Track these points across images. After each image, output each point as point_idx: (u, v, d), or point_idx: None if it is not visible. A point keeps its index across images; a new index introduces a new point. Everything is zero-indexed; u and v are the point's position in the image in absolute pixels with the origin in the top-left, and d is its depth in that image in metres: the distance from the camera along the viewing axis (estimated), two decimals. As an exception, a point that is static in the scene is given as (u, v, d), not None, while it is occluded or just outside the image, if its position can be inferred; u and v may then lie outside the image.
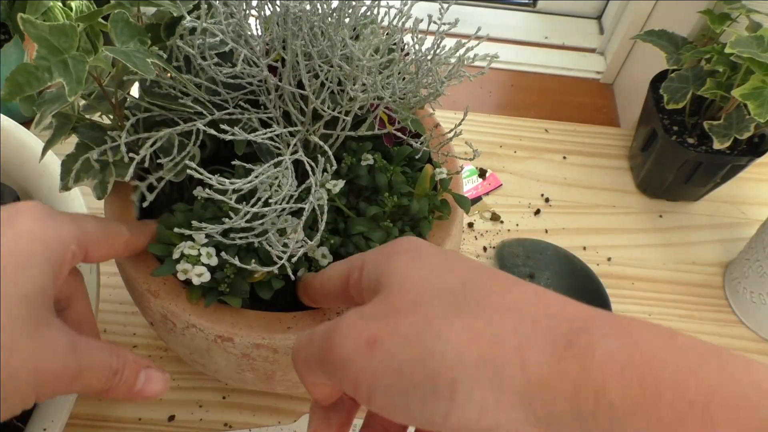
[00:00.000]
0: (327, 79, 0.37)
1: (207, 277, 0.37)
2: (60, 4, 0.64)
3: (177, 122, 0.38)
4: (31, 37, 0.30)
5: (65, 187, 0.38)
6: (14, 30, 0.65)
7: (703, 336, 0.62)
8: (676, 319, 0.63)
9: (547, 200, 0.72)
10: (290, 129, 0.38)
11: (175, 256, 0.37)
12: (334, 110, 0.37)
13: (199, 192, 0.38)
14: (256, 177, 0.34)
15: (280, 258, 0.36)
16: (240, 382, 0.45)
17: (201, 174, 0.33)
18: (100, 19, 0.68)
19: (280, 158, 0.36)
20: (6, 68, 0.67)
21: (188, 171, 0.33)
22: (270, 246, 0.36)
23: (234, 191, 0.34)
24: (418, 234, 0.42)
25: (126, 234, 0.36)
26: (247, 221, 0.35)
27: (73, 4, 0.65)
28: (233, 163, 0.37)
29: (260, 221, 0.35)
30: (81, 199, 0.51)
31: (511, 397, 0.22)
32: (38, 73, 0.30)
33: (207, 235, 0.37)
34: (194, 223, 0.36)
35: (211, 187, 0.33)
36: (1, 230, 0.28)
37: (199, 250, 0.37)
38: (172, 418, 0.53)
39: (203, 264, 0.37)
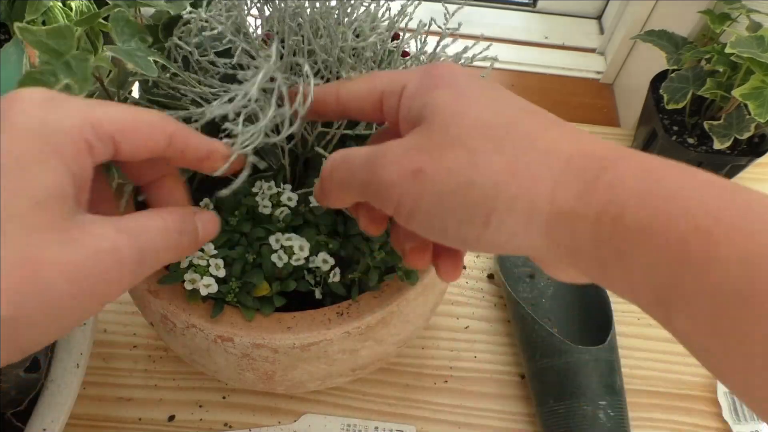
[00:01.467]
0: (323, 77, 0.37)
1: (214, 288, 0.37)
2: (60, 4, 0.64)
3: None
4: (29, 44, 0.30)
5: None
6: (14, 30, 0.65)
7: (703, 336, 0.62)
8: (676, 319, 0.63)
9: (547, 200, 0.72)
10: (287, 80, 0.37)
11: (183, 265, 0.37)
12: None
13: (205, 203, 0.39)
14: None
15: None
16: (240, 382, 0.45)
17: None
18: (100, 20, 0.68)
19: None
20: (6, 68, 0.67)
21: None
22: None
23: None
24: None
25: (171, 125, 0.28)
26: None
27: (73, 4, 0.65)
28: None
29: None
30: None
31: (539, 227, 0.25)
32: (44, 78, 0.30)
33: (216, 247, 0.37)
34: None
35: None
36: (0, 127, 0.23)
37: (208, 260, 0.37)
38: (172, 418, 0.53)
39: (211, 275, 0.37)
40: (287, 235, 0.38)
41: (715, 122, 0.62)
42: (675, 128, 0.67)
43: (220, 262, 0.37)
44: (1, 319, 0.21)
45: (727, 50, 0.55)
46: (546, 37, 0.93)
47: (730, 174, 0.67)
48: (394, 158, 0.26)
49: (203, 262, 0.37)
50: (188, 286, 0.37)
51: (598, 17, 0.95)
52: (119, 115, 0.26)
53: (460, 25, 0.37)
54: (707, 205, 0.22)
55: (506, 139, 0.26)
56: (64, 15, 0.64)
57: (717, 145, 0.62)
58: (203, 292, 0.37)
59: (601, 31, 0.94)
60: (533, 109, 0.28)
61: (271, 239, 0.38)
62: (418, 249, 0.31)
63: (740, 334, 0.21)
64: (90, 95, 0.38)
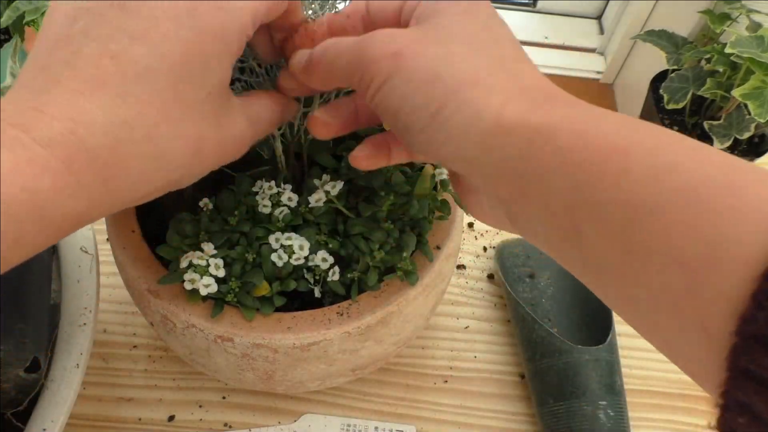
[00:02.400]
0: None
1: (214, 288, 0.37)
2: (60, 4, 0.64)
3: None
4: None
5: None
6: (14, 30, 0.65)
7: (703, 336, 0.62)
8: (676, 319, 0.63)
9: (547, 200, 0.72)
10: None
11: (183, 265, 0.37)
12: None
13: (205, 203, 0.39)
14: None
15: None
16: (240, 382, 0.45)
17: None
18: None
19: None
20: (6, 68, 0.67)
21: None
22: None
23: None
24: (418, 234, 0.42)
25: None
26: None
27: (73, 4, 0.65)
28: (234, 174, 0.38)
29: None
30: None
31: (477, 134, 0.27)
32: None
33: (215, 246, 0.37)
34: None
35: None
36: (186, 26, 0.27)
37: (207, 260, 0.37)
38: (172, 418, 0.53)
39: (211, 275, 0.37)
40: (287, 234, 0.38)
41: (715, 122, 0.62)
42: (675, 128, 0.67)
43: (220, 261, 0.37)
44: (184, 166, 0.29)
45: (727, 50, 0.55)
46: (546, 37, 0.93)
47: (730, 174, 0.67)
48: (380, 39, 0.29)
49: (203, 262, 0.37)
50: (188, 286, 0.37)
51: (598, 17, 0.96)
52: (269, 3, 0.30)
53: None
54: (630, 137, 0.24)
55: (482, 53, 0.28)
56: (64, 15, 0.64)
57: (717, 145, 0.62)
58: (203, 292, 0.37)
59: (601, 31, 0.94)
60: (519, 46, 0.31)
61: (271, 239, 0.38)
62: (373, 144, 0.34)
63: (643, 244, 0.22)
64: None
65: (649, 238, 0.22)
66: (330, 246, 0.40)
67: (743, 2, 0.61)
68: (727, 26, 0.62)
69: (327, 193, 0.39)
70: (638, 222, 0.23)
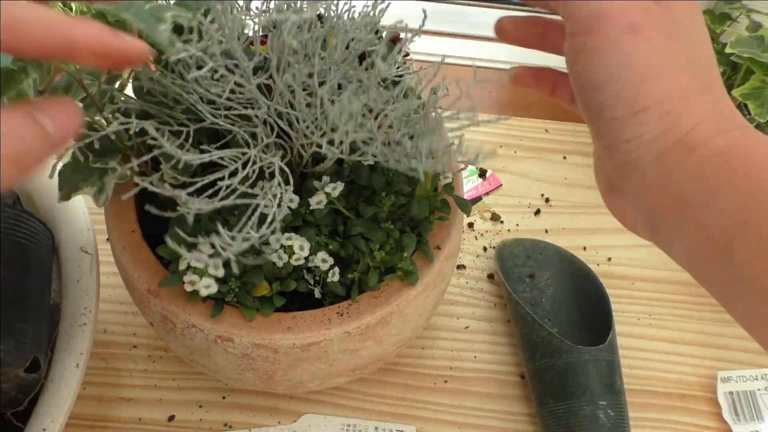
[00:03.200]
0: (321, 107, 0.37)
1: (214, 289, 0.36)
2: (60, 4, 0.64)
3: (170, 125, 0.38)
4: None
5: (65, 197, 0.38)
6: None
7: (703, 336, 0.62)
8: (677, 319, 0.63)
9: (547, 200, 0.72)
10: (275, 140, 0.38)
11: (182, 266, 0.37)
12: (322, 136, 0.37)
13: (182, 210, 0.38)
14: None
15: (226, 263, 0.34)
16: (240, 382, 0.45)
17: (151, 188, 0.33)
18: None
19: (248, 152, 0.36)
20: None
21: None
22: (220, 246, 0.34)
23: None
24: (418, 234, 0.42)
25: None
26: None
27: (73, 5, 0.65)
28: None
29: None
30: (81, 200, 0.51)
31: (659, 145, 0.27)
32: (16, 76, 0.30)
33: (213, 247, 0.37)
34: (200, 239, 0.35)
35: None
36: None
37: (206, 261, 0.37)
38: (172, 418, 0.53)
39: (211, 276, 0.36)
40: (287, 234, 0.38)
41: (715, 122, 0.62)
42: (675, 128, 0.67)
43: (219, 262, 0.37)
44: None
45: (727, 50, 0.55)
46: (546, 37, 0.93)
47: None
48: (620, 12, 0.27)
49: (202, 264, 0.37)
50: (188, 288, 0.37)
51: (598, 17, 0.96)
52: None
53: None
54: None
55: (697, 68, 0.28)
56: (64, 15, 0.64)
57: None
58: (203, 293, 0.37)
59: (601, 31, 0.94)
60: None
61: (271, 239, 0.38)
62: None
63: None
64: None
65: None
66: (330, 247, 0.40)
67: (743, 2, 0.61)
68: (727, 26, 0.62)
69: (327, 195, 0.39)
70: None
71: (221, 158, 0.36)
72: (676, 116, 0.27)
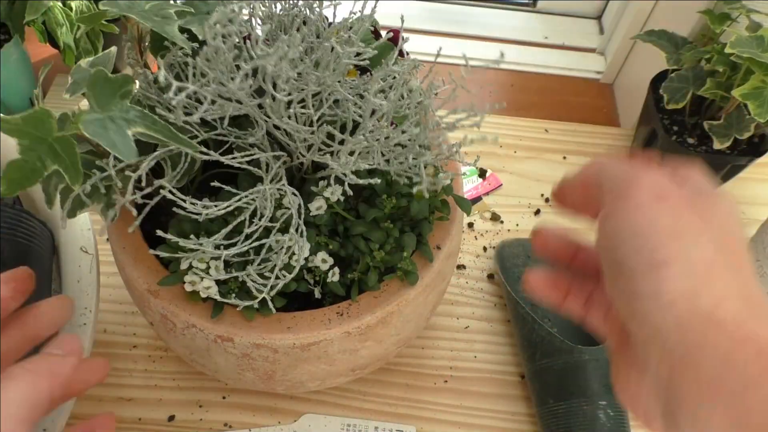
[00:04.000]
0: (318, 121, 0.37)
1: (215, 290, 0.37)
2: (60, 4, 0.64)
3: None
4: (5, 132, 0.29)
5: (71, 215, 0.37)
6: (14, 30, 0.65)
7: (703, 336, 0.62)
8: (676, 319, 0.63)
9: (547, 200, 0.72)
10: (275, 154, 0.38)
11: (183, 266, 0.37)
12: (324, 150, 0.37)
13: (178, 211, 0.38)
14: (233, 203, 0.34)
15: (260, 291, 0.36)
16: (240, 382, 0.45)
17: (177, 198, 0.34)
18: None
19: (259, 188, 0.36)
20: (6, 68, 0.67)
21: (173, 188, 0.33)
22: (252, 281, 0.37)
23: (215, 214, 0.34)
24: (418, 234, 0.42)
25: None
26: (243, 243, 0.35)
27: (73, 4, 0.65)
28: (217, 185, 0.37)
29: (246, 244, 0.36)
30: (85, 214, 0.50)
31: (682, 311, 0.26)
32: (30, 165, 0.30)
33: (216, 247, 0.37)
34: (205, 242, 0.36)
35: (185, 210, 0.34)
36: None
37: (207, 263, 0.37)
38: (172, 418, 0.53)
39: (211, 277, 0.37)
40: (287, 235, 0.38)
41: (715, 122, 0.62)
42: (675, 128, 0.67)
43: (221, 264, 0.37)
44: None
45: (727, 50, 0.55)
46: (546, 37, 0.93)
47: (730, 174, 0.67)
48: (650, 179, 0.29)
49: (203, 265, 0.37)
50: (188, 288, 0.37)
51: (598, 17, 0.95)
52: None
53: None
54: None
55: (731, 253, 0.28)
56: (63, 15, 0.64)
57: (717, 145, 0.62)
58: (203, 294, 0.37)
59: (601, 31, 0.94)
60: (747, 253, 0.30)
61: (271, 239, 0.38)
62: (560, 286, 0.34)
63: None
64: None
65: None
66: (330, 247, 0.40)
67: (743, 2, 0.61)
68: (727, 26, 0.62)
69: (327, 199, 0.39)
70: None
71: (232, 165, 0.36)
72: (699, 282, 0.26)
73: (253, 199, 0.37)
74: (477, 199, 0.71)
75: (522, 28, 0.93)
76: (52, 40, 0.65)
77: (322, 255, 0.39)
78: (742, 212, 0.73)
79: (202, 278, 0.36)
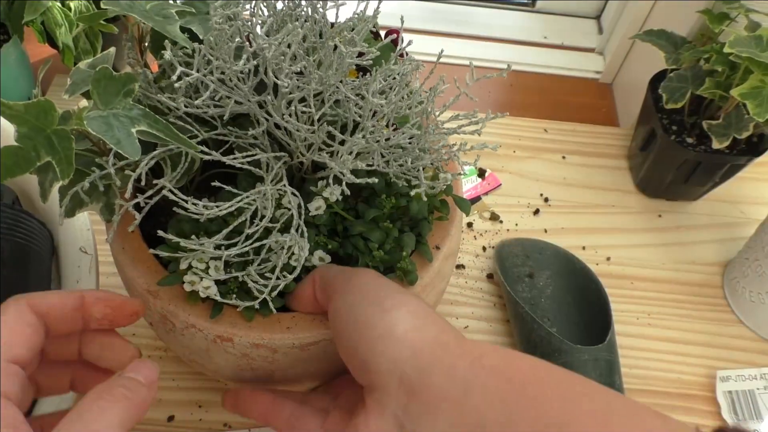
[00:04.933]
0: (319, 120, 0.37)
1: (214, 290, 0.37)
2: (59, 4, 0.64)
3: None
4: (6, 118, 0.29)
5: (69, 214, 0.37)
6: (14, 30, 0.65)
7: (702, 336, 0.62)
8: (676, 318, 0.63)
9: (546, 200, 0.72)
10: (276, 154, 0.39)
11: (183, 266, 0.37)
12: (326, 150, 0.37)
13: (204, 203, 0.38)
14: (234, 204, 0.35)
15: (261, 292, 0.37)
16: (239, 382, 0.45)
17: (178, 198, 0.34)
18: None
19: (260, 188, 0.37)
20: (5, 68, 0.67)
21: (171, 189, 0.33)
22: (253, 281, 0.37)
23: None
24: (417, 234, 0.42)
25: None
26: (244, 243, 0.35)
27: (72, 5, 0.65)
28: (216, 185, 0.37)
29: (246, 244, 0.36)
30: (85, 214, 0.50)
31: (412, 341, 0.31)
32: (24, 153, 0.30)
33: (217, 247, 0.37)
34: (205, 243, 0.35)
35: (187, 210, 0.34)
36: None
37: (207, 263, 0.37)
38: (171, 418, 0.53)
39: (210, 276, 0.36)
40: (287, 235, 0.38)
41: (713, 122, 0.62)
42: (674, 128, 0.67)
43: (220, 264, 0.37)
44: None
45: (726, 50, 0.55)
46: (545, 37, 0.93)
47: (729, 173, 0.67)
48: (336, 270, 0.37)
49: (202, 265, 0.36)
50: (188, 288, 0.37)
51: (597, 17, 0.96)
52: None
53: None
54: (542, 370, 0.30)
55: (442, 318, 0.34)
56: (62, 15, 0.64)
57: (716, 145, 0.62)
58: (202, 294, 0.37)
59: (600, 30, 0.94)
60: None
61: (271, 239, 0.38)
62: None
63: None
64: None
65: None
66: (329, 247, 0.40)
67: (742, 2, 0.61)
68: (726, 26, 0.62)
69: (326, 199, 0.39)
70: None
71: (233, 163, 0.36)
72: (422, 320, 0.32)
73: (254, 200, 0.37)
74: (476, 199, 0.71)
75: (521, 28, 0.93)
76: (51, 41, 0.65)
77: (319, 253, 0.39)
78: (741, 212, 0.73)
79: (201, 278, 0.36)
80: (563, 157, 0.76)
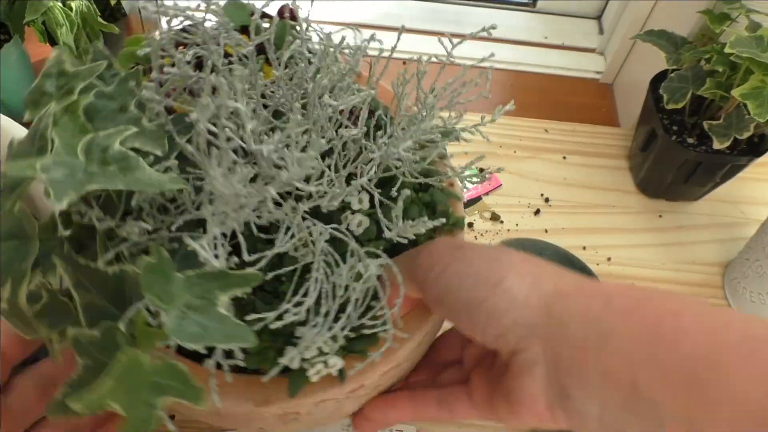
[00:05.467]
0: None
1: (341, 363, 0.33)
2: (60, 4, 0.64)
3: None
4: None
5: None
6: (15, 30, 0.65)
7: (702, 336, 0.62)
8: (676, 318, 0.63)
9: (546, 200, 0.72)
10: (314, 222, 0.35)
11: (294, 363, 0.31)
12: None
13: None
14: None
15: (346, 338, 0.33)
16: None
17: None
18: (100, 19, 0.68)
19: (300, 234, 0.32)
20: (6, 68, 0.67)
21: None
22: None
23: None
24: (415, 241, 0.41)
25: None
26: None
27: (73, 5, 0.65)
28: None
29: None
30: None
31: (537, 300, 0.30)
32: None
33: (324, 315, 0.32)
34: (317, 322, 0.32)
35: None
36: None
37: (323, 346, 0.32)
38: (171, 418, 0.53)
39: (329, 353, 0.32)
40: (346, 265, 0.34)
41: (714, 122, 0.62)
42: (674, 128, 0.67)
43: (326, 332, 0.32)
44: None
45: (727, 50, 0.55)
46: (546, 37, 0.93)
47: (730, 174, 0.67)
48: (440, 240, 0.36)
49: (314, 348, 0.32)
50: (315, 379, 0.33)
51: (598, 17, 0.96)
52: None
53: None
54: (674, 302, 0.28)
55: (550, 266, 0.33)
56: (63, 15, 0.64)
57: (716, 145, 0.62)
58: (331, 373, 0.33)
59: (601, 31, 0.94)
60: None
61: (343, 280, 0.34)
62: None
63: (708, 394, 0.25)
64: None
65: (715, 389, 0.25)
66: (380, 248, 0.36)
67: (742, 2, 0.61)
68: (727, 26, 0.62)
69: (351, 232, 0.36)
70: (701, 374, 0.25)
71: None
72: (534, 277, 0.31)
73: (301, 250, 0.34)
74: (477, 199, 0.71)
75: (521, 28, 0.94)
76: (52, 40, 0.65)
77: (374, 264, 0.34)
78: (741, 212, 0.73)
79: (325, 361, 0.32)
80: (564, 157, 0.76)
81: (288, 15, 0.39)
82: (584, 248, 0.68)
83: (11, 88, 0.69)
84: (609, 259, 0.67)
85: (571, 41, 0.93)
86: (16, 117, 0.54)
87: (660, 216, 0.72)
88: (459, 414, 0.36)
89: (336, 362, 0.32)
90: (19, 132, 0.53)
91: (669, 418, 0.26)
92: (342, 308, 0.33)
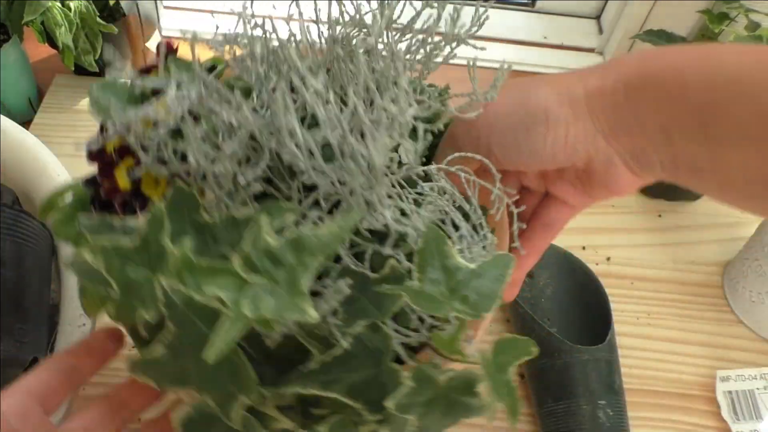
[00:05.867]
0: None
1: None
2: (59, 4, 0.64)
3: None
4: None
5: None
6: (13, 30, 0.65)
7: (702, 336, 0.62)
8: (676, 318, 0.63)
9: (546, 200, 0.72)
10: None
11: None
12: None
13: None
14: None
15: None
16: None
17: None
18: (98, 20, 0.68)
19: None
20: (5, 68, 0.67)
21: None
22: None
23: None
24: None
25: None
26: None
27: (72, 5, 0.65)
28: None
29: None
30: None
31: (582, 110, 0.33)
32: None
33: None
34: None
35: None
36: None
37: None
38: (171, 418, 0.53)
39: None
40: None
41: (714, 122, 0.62)
42: (674, 128, 0.67)
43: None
44: None
45: (726, 50, 0.55)
46: (545, 37, 0.93)
47: (729, 173, 0.67)
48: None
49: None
50: None
51: (597, 17, 0.96)
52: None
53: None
54: (690, 56, 0.31)
55: (541, 84, 0.35)
56: (62, 15, 0.64)
57: (716, 145, 0.62)
58: None
59: (600, 30, 0.94)
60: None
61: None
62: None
63: (727, 128, 0.29)
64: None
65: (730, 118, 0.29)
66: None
67: (741, 2, 0.61)
68: (726, 26, 0.62)
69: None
70: (719, 109, 0.29)
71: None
72: (566, 92, 0.33)
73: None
74: (476, 199, 0.71)
75: (521, 28, 0.93)
76: (51, 41, 0.65)
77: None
78: (741, 212, 0.73)
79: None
80: (563, 157, 0.76)
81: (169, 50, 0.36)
82: (584, 248, 0.68)
83: (10, 88, 0.69)
84: (608, 258, 0.67)
85: (571, 41, 0.93)
86: (15, 117, 0.54)
87: (659, 216, 0.72)
88: (564, 217, 0.46)
89: None
90: (19, 133, 0.52)
91: (703, 168, 0.31)
92: None
